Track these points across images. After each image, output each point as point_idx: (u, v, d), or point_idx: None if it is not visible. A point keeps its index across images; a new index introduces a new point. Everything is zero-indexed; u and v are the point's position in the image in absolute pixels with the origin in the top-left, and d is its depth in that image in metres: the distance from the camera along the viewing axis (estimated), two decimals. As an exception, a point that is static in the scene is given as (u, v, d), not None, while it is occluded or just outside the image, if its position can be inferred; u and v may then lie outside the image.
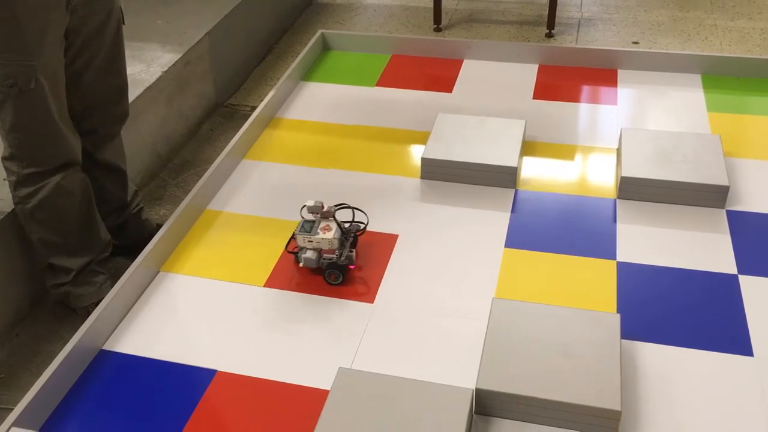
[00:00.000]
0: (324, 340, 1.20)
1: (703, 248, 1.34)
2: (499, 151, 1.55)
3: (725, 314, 1.21)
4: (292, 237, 1.32)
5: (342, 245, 1.29)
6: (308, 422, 1.03)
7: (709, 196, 1.42)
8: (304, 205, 1.31)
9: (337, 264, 1.27)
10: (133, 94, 1.82)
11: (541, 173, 1.58)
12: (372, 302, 1.26)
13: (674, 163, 1.48)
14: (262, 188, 1.57)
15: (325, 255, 1.28)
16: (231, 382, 1.13)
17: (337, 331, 1.21)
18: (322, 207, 1.29)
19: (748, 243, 1.35)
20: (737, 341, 1.16)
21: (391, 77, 1.96)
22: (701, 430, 1.03)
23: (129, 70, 1.65)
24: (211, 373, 1.14)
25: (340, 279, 1.28)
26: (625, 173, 1.46)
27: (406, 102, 1.86)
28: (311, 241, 1.27)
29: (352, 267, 1.30)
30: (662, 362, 1.13)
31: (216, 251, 1.40)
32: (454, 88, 1.91)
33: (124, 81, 1.61)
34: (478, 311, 1.22)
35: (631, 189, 1.46)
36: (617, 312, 1.21)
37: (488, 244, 1.38)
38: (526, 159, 1.62)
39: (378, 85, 1.93)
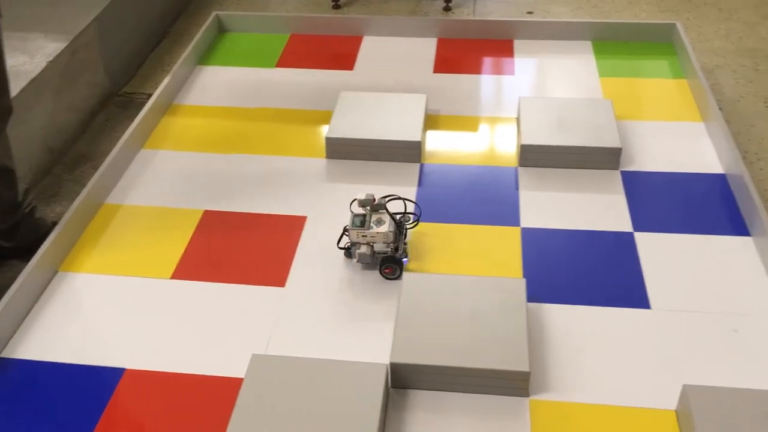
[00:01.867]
0: (236, 328, 1.18)
1: (600, 209, 1.39)
2: (403, 127, 1.56)
3: (624, 271, 1.26)
4: (344, 233, 1.27)
5: (396, 238, 1.24)
6: (225, 412, 1.02)
7: (604, 158, 1.48)
8: (355, 199, 1.25)
9: (394, 258, 1.23)
10: (16, 87, 1.72)
11: (445, 146, 1.59)
12: (283, 286, 1.25)
13: (570, 128, 1.52)
14: (164, 178, 1.52)
15: (379, 249, 1.23)
16: (141, 379, 1.10)
17: (248, 317, 1.20)
18: (374, 200, 1.24)
19: (642, 201, 1.41)
20: (636, 296, 1.21)
21: (291, 57, 1.94)
22: (605, 381, 1.07)
23: (11, 62, 1.55)
24: (120, 371, 1.11)
25: (398, 273, 1.23)
26: (525, 141, 1.50)
27: (308, 82, 1.83)
28: (365, 236, 1.22)
29: (405, 260, 1.25)
30: (567, 321, 1.17)
31: (118, 246, 1.35)
32: (355, 65, 1.90)
33: (3, 76, 1.52)
34: (389, 287, 1.23)
35: (531, 156, 1.50)
36: (523, 276, 1.25)
37: (396, 220, 1.39)
38: (429, 132, 1.64)
39: (278, 66, 1.90)
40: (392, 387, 1.07)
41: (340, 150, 1.55)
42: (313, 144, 1.60)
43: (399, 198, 1.28)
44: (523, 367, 1.03)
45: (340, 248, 1.29)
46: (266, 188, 1.48)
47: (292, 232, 1.37)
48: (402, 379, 1.06)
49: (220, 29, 2.06)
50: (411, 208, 1.34)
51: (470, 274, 1.22)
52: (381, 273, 1.24)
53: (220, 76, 1.87)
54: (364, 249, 1.22)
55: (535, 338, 1.14)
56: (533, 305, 1.19)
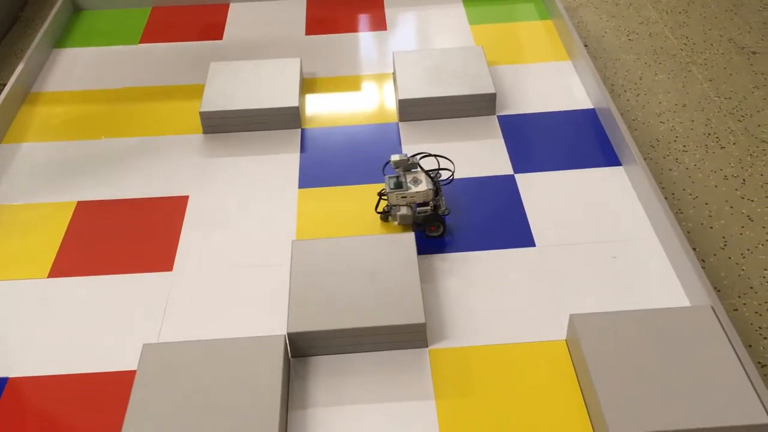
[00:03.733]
0: (124, 320, 1.13)
1: (481, 155, 1.42)
2: (279, 93, 1.52)
3: (508, 213, 1.30)
4: (380, 197, 1.26)
5: (436, 195, 1.23)
6: (122, 407, 0.98)
7: (480, 105, 1.50)
8: (388, 161, 1.23)
9: (437, 215, 1.22)
10: None
11: (324, 108, 1.57)
12: (171, 270, 1.21)
13: (445, 79, 1.54)
14: (29, 172, 1.43)
15: (419, 208, 1.22)
16: (27, 387, 1.04)
17: (137, 307, 1.15)
18: (408, 160, 1.22)
19: (519, 143, 1.44)
20: (521, 236, 1.25)
21: (155, 32, 1.85)
22: (499, 321, 1.10)
23: None
24: (2, 381, 1.04)
25: (442, 229, 1.23)
26: (402, 96, 1.50)
27: (176, 56, 1.76)
28: (405, 197, 1.21)
29: (446, 216, 1.25)
30: (458, 268, 1.19)
31: (-14, 250, 1.26)
32: (224, 34, 1.83)
33: None
34: (281, 257, 1.22)
35: (410, 110, 1.51)
36: (413, 230, 1.26)
37: (282, 189, 1.36)
38: (308, 96, 1.61)
39: (142, 42, 1.81)
40: (293, 357, 1.06)
41: (217, 123, 1.50)
42: (187, 120, 1.54)
43: (430, 155, 1.27)
44: (419, 319, 1.04)
45: (378, 212, 1.28)
46: (143, 171, 1.42)
47: (174, 213, 1.32)
48: (302, 348, 1.05)
49: (75, 8, 1.93)
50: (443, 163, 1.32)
51: (361, 235, 1.22)
52: (424, 232, 1.24)
53: (80, 58, 1.76)
54: (404, 210, 1.23)
55: (429, 289, 1.15)
56: (424, 257, 1.20)
